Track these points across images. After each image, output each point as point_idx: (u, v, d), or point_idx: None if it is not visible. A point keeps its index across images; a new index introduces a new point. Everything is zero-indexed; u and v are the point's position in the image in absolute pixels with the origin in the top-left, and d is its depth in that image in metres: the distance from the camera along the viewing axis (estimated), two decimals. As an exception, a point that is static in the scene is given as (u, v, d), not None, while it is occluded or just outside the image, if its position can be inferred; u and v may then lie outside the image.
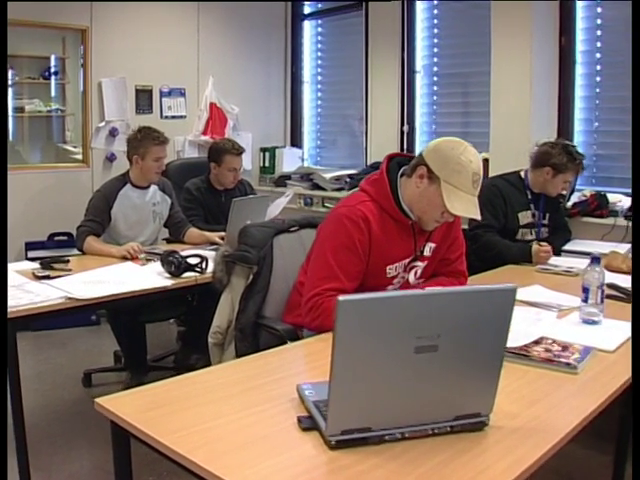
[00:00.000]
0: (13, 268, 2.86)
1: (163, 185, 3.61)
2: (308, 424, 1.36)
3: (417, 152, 4.81)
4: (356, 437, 1.28)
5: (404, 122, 4.94)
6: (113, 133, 4.72)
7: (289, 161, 5.54)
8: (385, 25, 4.93)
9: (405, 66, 4.87)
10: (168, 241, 3.77)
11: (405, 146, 4.95)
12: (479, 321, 1.28)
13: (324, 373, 1.66)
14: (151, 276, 2.76)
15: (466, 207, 2.04)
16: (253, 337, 2.32)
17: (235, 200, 3.18)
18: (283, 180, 5.38)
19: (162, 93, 4.97)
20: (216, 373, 1.72)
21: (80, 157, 4.70)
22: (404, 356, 1.24)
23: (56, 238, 4.52)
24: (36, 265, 2.91)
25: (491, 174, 4.13)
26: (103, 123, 4.68)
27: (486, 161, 4.19)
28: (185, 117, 5.12)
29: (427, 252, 2.26)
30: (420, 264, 2.25)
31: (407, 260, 2.20)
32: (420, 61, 4.91)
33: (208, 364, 3.33)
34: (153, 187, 3.56)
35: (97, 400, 1.46)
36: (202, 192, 3.87)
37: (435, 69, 4.87)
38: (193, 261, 2.82)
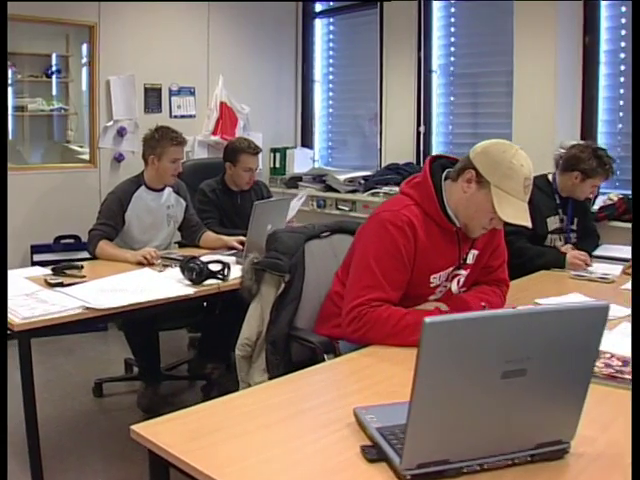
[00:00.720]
0: (23, 274, 2.73)
1: (178, 187, 3.48)
2: (374, 455, 1.23)
3: (433, 153, 4.82)
4: (433, 470, 1.15)
5: (420, 123, 4.81)
6: (121, 133, 4.58)
7: (300, 162, 5.41)
8: (401, 24, 4.81)
9: (422, 65, 4.74)
10: (181, 245, 3.63)
11: (422, 147, 4.82)
12: (570, 341, 1.15)
13: (377, 394, 1.54)
14: (171, 283, 2.62)
15: (517, 213, 1.93)
16: (285, 350, 2.18)
17: (257, 203, 3.04)
18: (294, 181, 5.25)
19: (171, 92, 4.84)
20: (260, 394, 1.57)
21: (87, 157, 4.55)
22: (491, 381, 1.11)
23: (63, 241, 4.37)
24: (47, 271, 2.77)
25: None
26: (111, 122, 4.54)
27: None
28: (194, 117, 4.99)
29: (470, 260, 2.13)
30: (463, 272, 2.12)
31: (451, 268, 2.08)
32: (436, 60, 4.78)
33: (226, 374, 3.26)
34: (168, 189, 3.42)
35: (133, 428, 1.33)
36: (217, 194, 3.74)
37: (452, 69, 4.75)
38: (215, 267, 2.68)
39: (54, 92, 4.45)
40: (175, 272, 2.76)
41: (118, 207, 3.21)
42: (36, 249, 4.28)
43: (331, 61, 5.58)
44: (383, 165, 5.01)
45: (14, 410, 2.28)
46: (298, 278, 2.24)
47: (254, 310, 2.25)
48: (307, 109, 5.69)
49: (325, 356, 2.04)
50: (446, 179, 2.05)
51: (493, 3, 4.39)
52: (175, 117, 4.87)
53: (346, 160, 5.54)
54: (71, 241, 4.38)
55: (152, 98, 4.73)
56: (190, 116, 4.96)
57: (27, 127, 4.45)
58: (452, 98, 4.79)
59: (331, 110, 5.65)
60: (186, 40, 4.86)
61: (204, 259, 2.74)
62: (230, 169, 3.75)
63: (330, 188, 5.02)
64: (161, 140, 3.25)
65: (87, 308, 2.27)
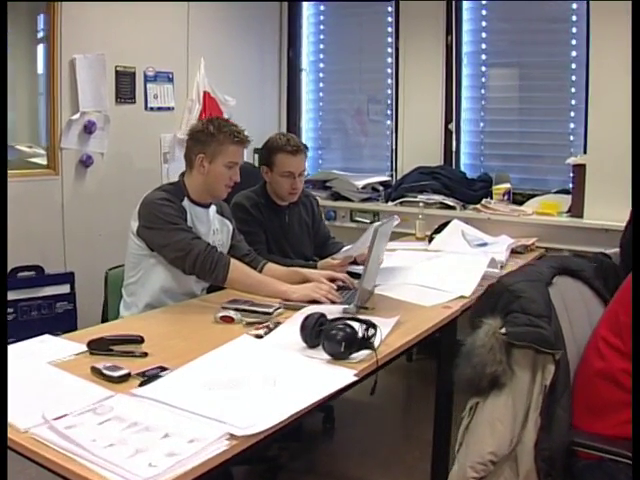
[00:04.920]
0: (38, 354, 1.71)
1: (221, 206, 2.56)
2: None
3: (466, 157, 4.16)
4: None
5: (448, 119, 4.12)
6: (89, 128, 3.51)
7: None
8: (424, 5, 4.08)
9: (453, 51, 4.04)
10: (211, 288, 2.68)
11: (454, 148, 4.12)
12: None
13: None
14: (306, 363, 1.70)
15: None
16: (566, 472, 1.39)
17: (377, 226, 2.19)
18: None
19: (147, 77, 3.81)
20: None
21: (44, 162, 3.44)
22: None
23: (20, 274, 3.24)
24: (78, 347, 1.75)
25: (589, 182, 3.43)
26: (77, 115, 3.46)
27: (582, 167, 3.47)
28: (173, 109, 3.98)
29: None
30: None
31: None
32: (465, 47, 4.11)
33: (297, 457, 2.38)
34: (212, 208, 2.49)
35: None
36: (261, 209, 2.83)
37: (483, 57, 4.09)
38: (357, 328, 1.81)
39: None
40: (280, 334, 1.88)
41: (179, 213, 2.30)
42: (-16, 287, 3.13)
43: (322, 46, 4.75)
44: (400, 168, 4.27)
45: None
46: (564, 354, 1.46)
47: (503, 407, 1.43)
48: (294, 101, 4.82)
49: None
50: None
51: None
52: (151, 109, 3.85)
53: (338, 162, 4.74)
54: (31, 274, 3.27)
55: (124, 85, 3.69)
56: (168, 108, 3.95)
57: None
58: (483, 91, 4.13)
59: (321, 104, 4.82)
60: (163, 16, 3.86)
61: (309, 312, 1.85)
62: (267, 175, 2.87)
63: (339, 196, 4.21)
64: (217, 134, 2.32)
65: (234, 436, 1.30)
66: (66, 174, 3.48)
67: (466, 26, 4.07)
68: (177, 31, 3.97)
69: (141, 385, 1.48)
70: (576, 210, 3.47)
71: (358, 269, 2.68)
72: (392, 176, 4.36)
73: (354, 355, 1.70)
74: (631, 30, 2.97)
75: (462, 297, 2.36)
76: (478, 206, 3.73)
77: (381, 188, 4.19)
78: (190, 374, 1.55)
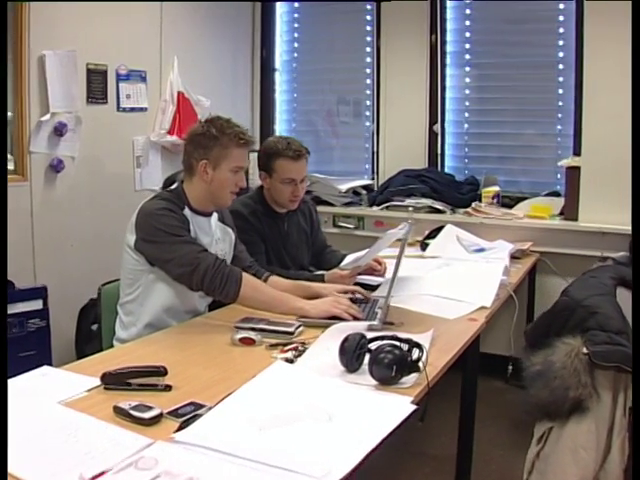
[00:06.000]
0: (47, 392, 1.50)
1: (222, 213, 2.37)
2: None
3: (450, 159, 4.05)
4: None
5: (433, 121, 4.02)
6: (60, 131, 3.24)
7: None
8: (408, 4, 3.97)
9: (438, 51, 3.94)
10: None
11: (439, 150, 4.02)
12: None
13: None
14: (346, 388, 1.55)
15: None
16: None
17: (403, 235, 2.05)
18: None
19: (119, 76, 3.57)
20: None
21: (12, 167, 3.16)
22: None
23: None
24: (88, 382, 1.53)
25: (583, 184, 3.38)
26: (47, 116, 3.19)
27: (575, 170, 3.42)
28: (146, 110, 3.75)
29: None
30: None
31: None
32: (449, 46, 4.01)
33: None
34: (214, 216, 2.30)
35: None
36: (259, 217, 2.66)
37: (467, 57, 4.01)
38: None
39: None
40: (314, 358, 1.71)
41: (181, 224, 2.10)
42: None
43: (296, 45, 4.59)
44: (382, 172, 4.14)
45: None
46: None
47: (587, 433, 1.31)
48: (267, 102, 4.64)
49: None
50: None
51: None
52: (124, 110, 3.61)
53: (310, 165, 4.54)
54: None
55: (96, 84, 3.44)
56: (141, 109, 3.72)
57: None
58: (467, 92, 4.05)
59: (295, 105, 4.66)
60: (136, 11, 3.62)
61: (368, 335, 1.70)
62: (266, 181, 2.69)
63: (319, 200, 4.05)
64: (221, 137, 2.12)
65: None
66: (35, 180, 3.21)
67: (449, 25, 3.98)
68: (150, 27, 3.74)
69: (180, 428, 1.29)
70: (570, 213, 3.42)
71: (368, 279, 2.54)
72: (373, 179, 4.22)
73: (403, 379, 1.55)
74: (631, 30, 2.92)
75: (483, 308, 2.24)
76: (469, 210, 3.64)
77: (364, 192, 4.06)
78: (232, 411, 1.37)
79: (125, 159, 3.67)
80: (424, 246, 3.30)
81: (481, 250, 3.17)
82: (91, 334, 3.26)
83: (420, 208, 3.70)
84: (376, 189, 4.12)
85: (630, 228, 3.07)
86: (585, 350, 1.33)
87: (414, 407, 1.42)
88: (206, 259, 2.06)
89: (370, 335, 1.68)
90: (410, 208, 3.63)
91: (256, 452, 1.17)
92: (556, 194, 3.67)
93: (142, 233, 2.09)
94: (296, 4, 4.52)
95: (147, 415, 1.33)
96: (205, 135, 2.14)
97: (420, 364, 1.57)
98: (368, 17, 4.26)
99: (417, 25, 3.95)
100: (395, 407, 1.41)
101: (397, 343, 1.59)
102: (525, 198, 3.71)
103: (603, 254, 3.13)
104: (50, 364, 1.69)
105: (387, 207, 3.82)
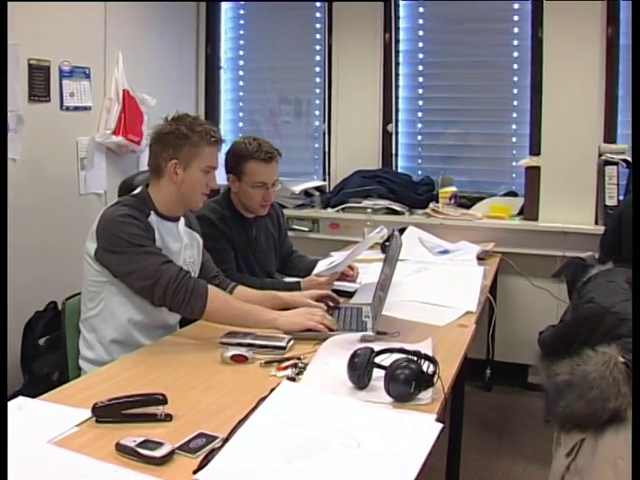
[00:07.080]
0: (27, 429, 1.32)
1: (188, 219, 2.22)
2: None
3: (403, 159, 3.99)
4: None
5: (387, 120, 3.97)
6: None
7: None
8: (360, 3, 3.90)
9: (392, 50, 3.89)
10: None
11: (393, 151, 3.97)
12: None
13: None
14: (362, 407, 1.45)
15: None
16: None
17: (395, 237, 1.96)
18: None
19: (62, 73, 3.33)
20: None
21: (-55, 171, 2.90)
22: None
23: None
24: (76, 414, 1.35)
25: (544, 184, 3.41)
26: (-14, 116, 2.94)
27: (535, 169, 3.44)
28: (90, 109, 3.53)
29: None
30: None
31: None
32: (402, 45, 3.97)
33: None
34: (181, 221, 2.15)
35: None
36: (228, 223, 2.51)
37: (420, 56, 3.98)
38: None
39: None
40: (317, 376, 1.61)
41: (145, 233, 1.93)
42: None
43: (242, 42, 4.45)
44: (334, 172, 4.06)
45: None
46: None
47: (625, 444, 1.27)
48: (212, 101, 4.47)
49: None
50: None
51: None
52: (67, 109, 3.38)
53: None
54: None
55: (38, 80, 3.19)
56: (85, 108, 3.49)
57: None
58: (421, 91, 4.02)
59: (241, 104, 4.51)
60: (80, 3, 3.39)
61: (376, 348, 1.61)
62: (235, 185, 2.55)
63: (271, 202, 3.93)
64: (191, 135, 1.98)
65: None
66: (-28, 186, 2.95)
67: (403, 24, 3.94)
68: (94, 22, 3.51)
69: (201, 467, 1.15)
70: (530, 213, 3.43)
71: (344, 286, 2.45)
72: (325, 180, 4.13)
73: (420, 395, 1.47)
74: (631, 30, 2.94)
75: (469, 313, 2.20)
76: (428, 211, 3.60)
77: (317, 193, 3.96)
78: (252, 442, 1.24)
79: (68, 161, 3.43)
80: (385, 248, 3.24)
81: (445, 252, 3.14)
82: (38, 350, 3.04)
83: (378, 209, 3.64)
84: (329, 190, 4.03)
85: (593, 228, 3.16)
86: (622, 359, 1.28)
87: (441, 425, 1.34)
88: (167, 271, 1.89)
89: (376, 348, 1.59)
90: (368, 210, 3.56)
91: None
92: (513, 194, 3.68)
93: (103, 242, 1.91)
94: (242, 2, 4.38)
95: (158, 453, 1.19)
96: (174, 133, 1.99)
97: (435, 378, 1.49)
98: (318, 14, 4.17)
99: (370, 23, 3.89)
100: (421, 427, 1.33)
101: (413, 357, 1.51)
102: (482, 198, 3.70)
103: (565, 254, 3.16)
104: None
105: (343, 209, 3.74)
